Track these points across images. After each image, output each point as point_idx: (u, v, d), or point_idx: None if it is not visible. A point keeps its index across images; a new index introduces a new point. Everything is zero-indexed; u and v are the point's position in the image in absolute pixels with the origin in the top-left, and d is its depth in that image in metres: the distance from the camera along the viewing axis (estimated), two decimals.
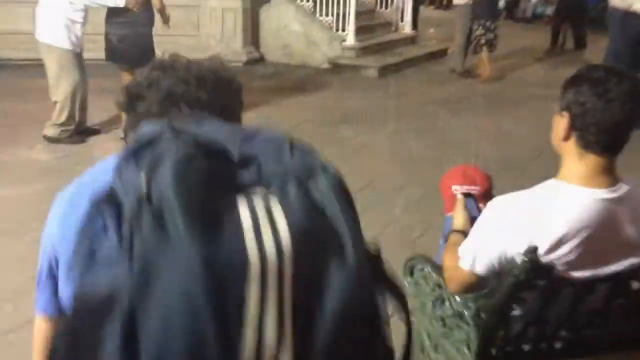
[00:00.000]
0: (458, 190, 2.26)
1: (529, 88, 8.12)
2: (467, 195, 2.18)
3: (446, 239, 2.08)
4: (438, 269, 1.99)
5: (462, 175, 2.29)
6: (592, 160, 1.62)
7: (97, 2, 5.05)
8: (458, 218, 2.08)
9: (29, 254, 3.49)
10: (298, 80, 8.08)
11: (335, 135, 5.93)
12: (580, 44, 11.07)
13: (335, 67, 8.80)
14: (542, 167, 5.08)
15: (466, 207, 2.12)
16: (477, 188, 2.23)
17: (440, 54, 10.23)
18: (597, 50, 10.36)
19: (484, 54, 8.46)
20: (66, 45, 5.06)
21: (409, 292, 2.16)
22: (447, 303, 1.91)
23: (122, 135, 5.65)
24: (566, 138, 1.64)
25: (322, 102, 7.16)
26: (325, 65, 8.90)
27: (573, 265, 1.63)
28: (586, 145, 1.61)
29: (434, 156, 5.45)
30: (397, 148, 5.73)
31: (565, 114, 1.63)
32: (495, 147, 5.69)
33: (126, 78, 5.47)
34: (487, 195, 2.24)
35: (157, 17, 5.57)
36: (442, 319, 1.94)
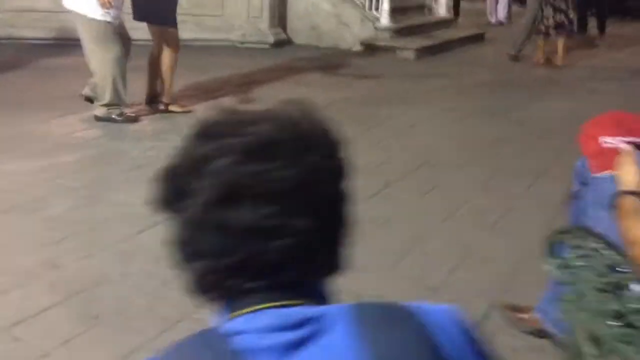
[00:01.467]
0: (611, 143, 1.68)
1: (575, 72, 7.49)
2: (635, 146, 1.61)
3: (611, 205, 1.50)
4: (611, 243, 1.41)
5: (615, 123, 1.72)
6: None
7: None
8: (629, 175, 1.50)
9: (41, 234, 3.04)
10: (330, 61, 7.47)
11: (378, 115, 5.36)
12: (601, 30, 10.58)
13: (368, 49, 8.20)
14: None
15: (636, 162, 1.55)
16: None
17: (477, 38, 9.62)
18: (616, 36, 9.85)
19: (558, 39, 7.62)
20: (100, 15, 4.40)
21: (555, 278, 1.59)
22: (631, 291, 1.34)
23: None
24: None
25: (359, 83, 6.56)
26: (357, 48, 8.30)
27: None
28: None
29: (491, 136, 4.87)
30: (449, 127, 5.13)
31: None
32: (560, 127, 5.08)
33: (156, 35, 4.87)
34: None
35: None
36: (621, 315, 1.36)
